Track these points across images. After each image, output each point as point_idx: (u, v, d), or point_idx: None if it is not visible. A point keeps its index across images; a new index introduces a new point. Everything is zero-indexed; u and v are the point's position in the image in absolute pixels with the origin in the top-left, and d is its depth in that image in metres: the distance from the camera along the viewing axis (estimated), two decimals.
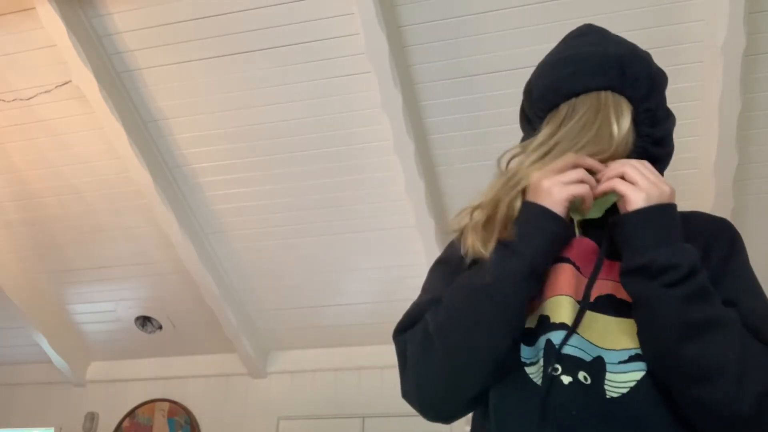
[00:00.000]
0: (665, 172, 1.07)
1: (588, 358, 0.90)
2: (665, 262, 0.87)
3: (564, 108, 0.99)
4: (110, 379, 4.74)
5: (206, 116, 3.45)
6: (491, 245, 0.93)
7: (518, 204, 0.95)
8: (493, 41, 3.02)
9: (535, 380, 0.91)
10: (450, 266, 1.03)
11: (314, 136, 3.43)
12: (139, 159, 3.48)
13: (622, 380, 0.89)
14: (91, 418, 4.65)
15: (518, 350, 0.94)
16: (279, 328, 4.35)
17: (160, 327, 4.48)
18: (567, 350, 0.90)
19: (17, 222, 4.06)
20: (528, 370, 0.93)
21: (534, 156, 0.96)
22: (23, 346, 4.67)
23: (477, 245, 0.94)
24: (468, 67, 3.09)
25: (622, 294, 0.94)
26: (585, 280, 0.96)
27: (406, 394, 0.97)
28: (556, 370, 0.89)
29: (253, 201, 3.75)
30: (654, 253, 0.87)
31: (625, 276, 0.91)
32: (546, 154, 0.96)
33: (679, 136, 3.64)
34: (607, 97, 0.98)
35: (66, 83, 3.36)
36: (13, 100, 3.48)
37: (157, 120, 3.50)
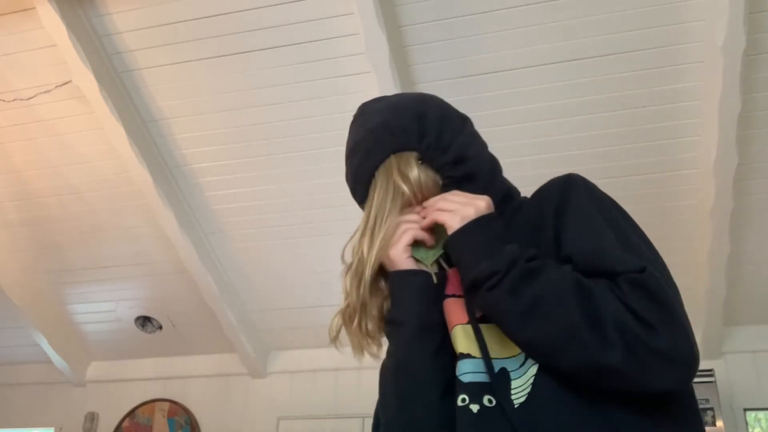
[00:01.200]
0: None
1: (488, 379, 0.95)
2: (485, 273, 0.92)
3: (371, 191, 1.09)
4: (110, 379, 4.74)
5: (206, 116, 3.45)
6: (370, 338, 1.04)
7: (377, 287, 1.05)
8: (494, 41, 3.02)
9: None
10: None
11: (314, 136, 3.43)
12: (139, 159, 3.48)
13: (523, 383, 0.93)
14: (91, 418, 4.65)
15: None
16: (279, 328, 4.35)
17: (160, 327, 4.49)
18: (467, 378, 0.96)
19: (17, 222, 4.06)
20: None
21: (365, 240, 1.05)
22: (23, 346, 4.67)
23: (371, 348, 1.06)
24: (468, 67, 3.09)
25: None
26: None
27: None
28: (465, 400, 0.95)
29: (253, 201, 3.75)
30: (475, 268, 0.94)
31: (466, 296, 0.99)
32: (372, 232, 1.05)
33: (679, 136, 3.65)
34: (391, 162, 1.07)
35: (66, 83, 3.36)
36: (13, 100, 3.48)
37: (157, 120, 3.50)
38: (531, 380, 0.92)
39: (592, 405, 0.88)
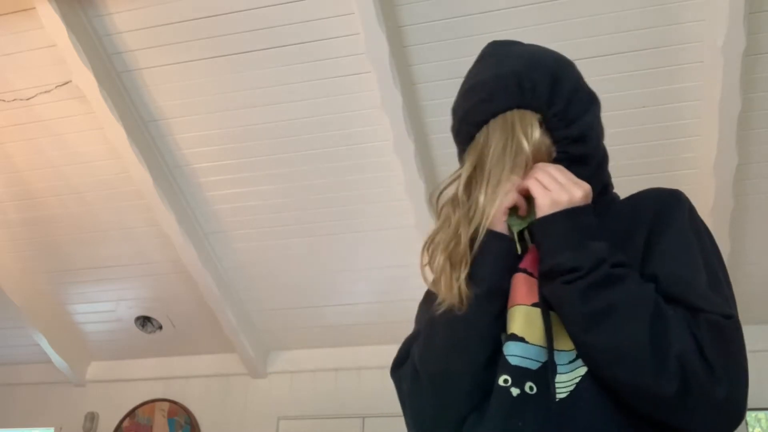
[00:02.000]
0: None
1: (535, 366, 0.93)
2: (566, 265, 0.90)
3: (480, 137, 1.03)
4: (110, 379, 4.74)
5: (206, 116, 3.45)
6: (459, 283, 0.98)
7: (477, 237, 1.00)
8: None
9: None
10: (433, 299, 1.07)
11: (314, 136, 3.43)
12: (139, 159, 3.47)
13: (568, 380, 0.91)
14: (91, 418, 4.65)
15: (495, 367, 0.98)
16: (279, 328, 4.35)
17: (160, 327, 4.48)
18: (514, 361, 0.94)
19: (17, 222, 4.06)
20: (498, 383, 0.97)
21: (482, 190, 1.00)
22: (23, 346, 4.67)
23: (452, 296, 0.99)
24: (468, 67, 3.08)
25: None
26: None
27: (408, 427, 1.04)
28: (507, 381, 0.94)
29: (253, 201, 3.75)
30: (557, 258, 0.92)
31: (540, 280, 0.96)
32: (487, 184, 0.99)
33: (679, 136, 3.64)
34: (513, 116, 1.02)
35: (66, 83, 3.36)
36: (13, 100, 3.48)
37: (157, 120, 3.50)
38: (577, 380, 0.91)
39: (629, 421, 0.87)
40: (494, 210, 0.97)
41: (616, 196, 1.09)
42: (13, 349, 4.77)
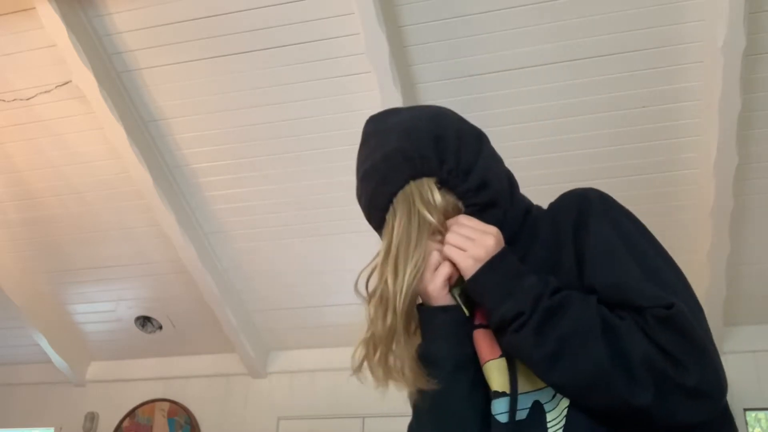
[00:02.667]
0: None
1: (525, 415, 0.95)
2: (510, 314, 0.91)
3: (388, 218, 1.04)
4: (110, 379, 4.74)
5: (206, 116, 3.45)
6: (408, 367, 1.00)
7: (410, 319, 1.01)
8: (493, 41, 3.02)
9: None
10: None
11: (314, 136, 3.43)
12: (139, 159, 3.48)
13: (557, 415, 0.92)
14: (91, 418, 4.65)
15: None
16: (279, 328, 4.35)
17: (160, 327, 4.48)
18: (504, 419, 0.96)
19: (17, 222, 4.06)
20: None
21: (387, 269, 1.01)
22: (23, 346, 4.67)
23: (396, 379, 1.03)
24: (468, 67, 3.09)
25: None
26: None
27: None
28: None
29: (253, 201, 3.75)
30: (499, 310, 0.93)
31: (495, 336, 0.97)
32: (395, 262, 1.00)
33: (679, 136, 3.64)
34: (411, 189, 1.02)
35: (66, 83, 3.36)
36: (13, 100, 3.48)
37: (157, 120, 3.50)
38: (564, 412, 0.92)
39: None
40: (408, 285, 0.98)
41: (539, 213, 1.08)
42: (13, 349, 4.77)
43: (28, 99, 3.46)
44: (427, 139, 1.03)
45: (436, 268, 1.00)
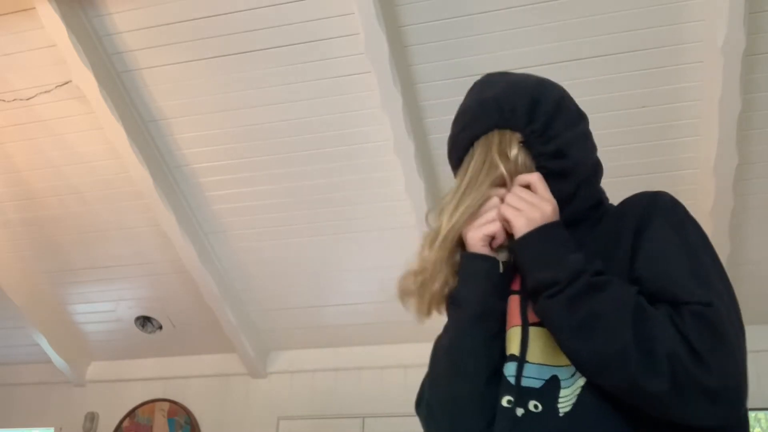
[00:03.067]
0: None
1: (539, 384, 0.96)
2: (547, 281, 0.94)
3: (466, 159, 1.09)
4: (110, 379, 4.74)
5: (206, 116, 3.45)
6: (436, 305, 1.05)
7: (455, 258, 1.05)
8: (493, 41, 3.02)
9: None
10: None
11: (314, 136, 3.43)
12: (139, 159, 3.47)
13: (571, 393, 0.93)
14: (91, 418, 4.65)
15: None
16: (279, 328, 4.35)
17: (160, 327, 4.48)
18: (523, 382, 0.97)
19: (17, 222, 4.06)
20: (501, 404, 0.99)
21: (449, 207, 1.05)
22: (23, 346, 4.67)
23: (421, 311, 1.06)
24: (468, 67, 3.08)
25: None
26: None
27: None
28: (510, 402, 0.96)
29: (253, 201, 3.75)
30: (538, 275, 0.96)
31: (530, 299, 0.99)
32: (458, 201, 1.05)
33: (679, 136, 3.63)
34: (493, 136, 1.07)
35: (66, 83, 3.36)
36: (13, 100, 3.48)
37: (157, 120, 3.50)
38: (578, 391, 0.92)
39: (633, 424, 0.89)
40: (455, 224, 1.02)
41: (610, 207, 1.11)
42: (13, 349, 4.77)
43: (28, 99, 3.46)
44: (525, 97, 1.08)
45: (487, 222, 1.02)
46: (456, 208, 1.03)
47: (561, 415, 0.92)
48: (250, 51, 3.18)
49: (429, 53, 3.08)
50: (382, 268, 3.95)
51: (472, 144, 1.09)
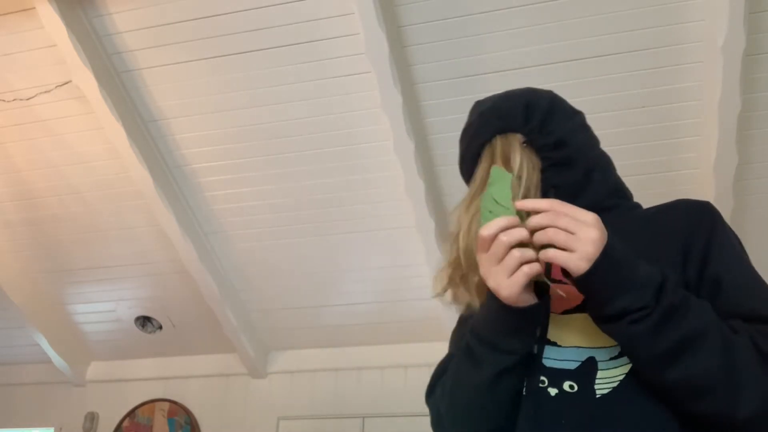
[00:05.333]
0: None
1: (574, 366, 0.95)
2: (632, 308, 0.87)
3: (476, 168, 1.12)
4: (110, 379, 4.74)
5: (206, 116, 3.45)
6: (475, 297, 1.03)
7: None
8: (493, 41, 3.02)
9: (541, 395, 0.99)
10: (466, 325, 1.09)
11: (314, 136, 3.43)
12: (139, 159, 3.47)
13: (610, 376, 0.93)
14: (91, 418, 4.65)
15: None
16: (279, 328, 4.35)
17: (160, 327, 4.48)
18: (549, 363, 0.97)
19: (17, 222, 4.06)
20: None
21: (462, 210, 1.07)
22: (23, 346, 4.67)
23: (472, 302, 1.04)
24: (468, 67, 3.08)
25: None
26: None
27: None
28: (543, 382, 0.96)
29: (253, 201, 3.75)
30: (618, 304, 0.88)
31: (600, 323, 0.93)
32: (468, 206, 1.06)
33: (679, 136, 3.63)
34: (495, 142, 1.11)
35: (66, 83, 3.36)
36: (13, 100, 3.48)
37: (157, 120, 3.50)
38: (620, 378, 0.92)
39: (672, 416, 0.90)
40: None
41: (638, 205, 1.15)
42: (13, 349, 4.77)
43: (28, 99, 3.46)
44: (519, 101, 1.15)
45: (516, 270, 0.90)
46: (465, 211, 1.05)
47: (597, 396, 0.92)
48: (250, 51, 3.18)
49: (429, 53, 3.08)
50: (381, 268, 3.95)
51: (479, 154, 1.12)
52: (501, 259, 0.89)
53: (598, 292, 0.89)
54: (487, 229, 0.90)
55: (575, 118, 1.16)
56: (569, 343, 0.97)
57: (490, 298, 0.94)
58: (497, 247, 0.89)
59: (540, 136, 1.09)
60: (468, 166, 1.14)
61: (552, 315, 1.00)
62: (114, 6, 3.13)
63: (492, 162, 1.07)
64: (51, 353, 4.55)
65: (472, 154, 1.13)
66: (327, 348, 4.36)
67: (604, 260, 0.87)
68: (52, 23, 3.10)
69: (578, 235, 0.88)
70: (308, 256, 3.95)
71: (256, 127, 3.45)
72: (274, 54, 3.18)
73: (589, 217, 0.89)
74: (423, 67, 3.13)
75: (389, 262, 3.89)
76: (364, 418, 4.16)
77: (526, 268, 0.89)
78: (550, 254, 0.89)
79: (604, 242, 0.88)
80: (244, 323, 4.25)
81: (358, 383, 4.27)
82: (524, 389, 0.99)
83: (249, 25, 3.10)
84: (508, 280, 0.89)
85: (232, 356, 4.48)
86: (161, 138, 3.55)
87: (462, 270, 1.03)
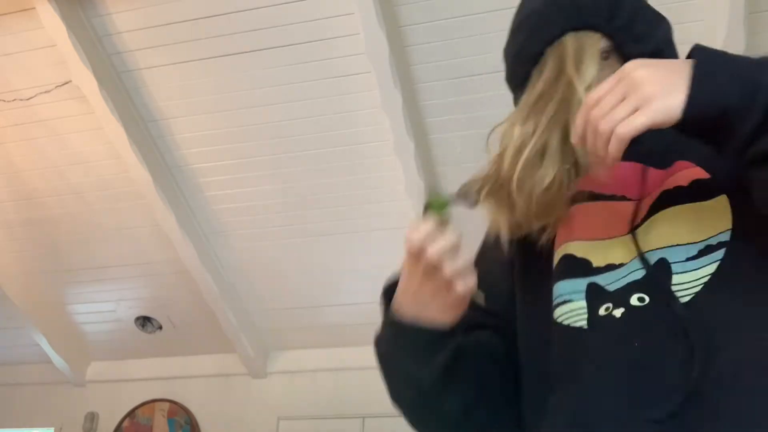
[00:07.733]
0: None
1: (640, 276, 0.77)
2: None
3: (534, 74, 0.87)
4: (110, 379, 4.74)
5: (206, 116, 3.45)
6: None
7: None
8: (493, 41, 3.01)
9: (577, 325, 0.80)
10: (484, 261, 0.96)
11: (314, 136, 3.43)
12: (139, 159, 3.47)
13: (689, 279, 0.74)
14: (91, 418, 4.65)
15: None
16: (279, 328, 4.35)
17: (160, 327, 4.48)
18: (613, 287, 0.79)
19: (17, 222, 4.06)
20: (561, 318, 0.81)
21: (530, 119, 0.84)
22: (23, 346, 4.67)
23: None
24: (468, 67, 3.08)
25: (696, 176, 0.80)
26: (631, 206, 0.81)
27: None
28: (608, 309, 0.77)
29: (253, 201, 3.75)
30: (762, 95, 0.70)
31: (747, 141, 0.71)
32: (527, 115, 0.85)
33: None
34: (566, 41, 0.85)
35: (66, 83, 3.36)
36: (13, 100, 3.48)
37: (157, 120, 3.50)
38: (705, 279, 0.73)
39: (760, 320, 0.70)
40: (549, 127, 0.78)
41: None
42: (13, 349, 4.77)
43: (28, 99, 3.46)
44: None
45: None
46: (526, 119, 0.82)
47: (678, 303, 0.73)
48: (250, 51, 3.18)
49: (429, 53, 3.08)
50: (382, 268, 3.94)
51: (541, 53, 0.86)
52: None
53: (725, 95, 0.71)
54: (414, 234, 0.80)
55: (663, 25, 0.94)
56: (629, 258, 0.78)
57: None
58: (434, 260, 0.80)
59: (630, 40, 0.84)
60: (525, 66, 0.88)
61: (597, 243, 0.81)
62: (114, 6, 3.13)
63: (560, 66, 0.82)
64: (51, 353, 4.55)
65: (529, 54, 0.87)
66: (327, 348, 4.36)
67: (699, 68, 0.70)
68: (51, 23, 3.10)
69: (635, 91, 0.68)
70: (308, 256, 3.95)
71: (257, 127, 3.45)
72: (274, 54, 3.18)
73: (627, 67, 0.71)
74: (423, 67, 3.13)
75: (389, 262, 3.87)
76: (364, 418, 4.16)
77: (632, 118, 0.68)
78: (622, 130, 0.67)
79: (665, 63, 0.70)
80: (244, 323, 4.25)
81: (358, 383, 4.26)
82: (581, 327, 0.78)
83: (249, 25, 3.10)
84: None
85: (232, 356, 4.47)
86: (161, 138, 3.55)
87: (499, 184, 0.84)
